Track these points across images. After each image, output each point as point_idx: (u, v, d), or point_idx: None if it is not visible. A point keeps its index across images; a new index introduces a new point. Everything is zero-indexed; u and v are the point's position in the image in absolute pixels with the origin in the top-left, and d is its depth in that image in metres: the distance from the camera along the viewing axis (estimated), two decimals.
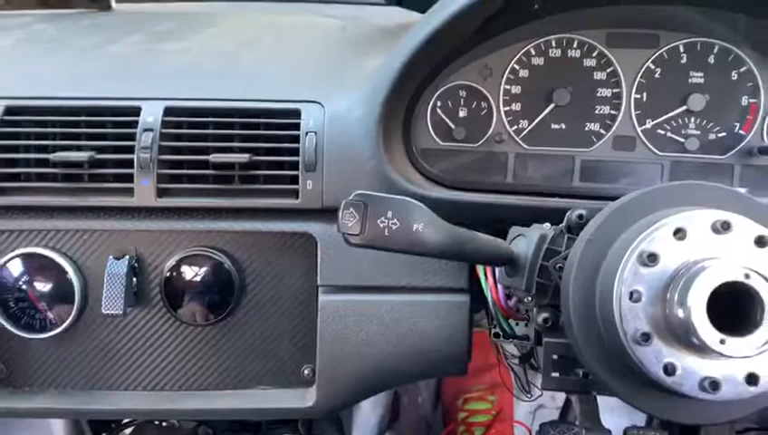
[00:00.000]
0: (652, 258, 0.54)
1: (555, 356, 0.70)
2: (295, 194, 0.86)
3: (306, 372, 0.91)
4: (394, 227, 0.65)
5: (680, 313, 0.52)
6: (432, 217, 0.66)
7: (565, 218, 0.70)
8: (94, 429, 1.25)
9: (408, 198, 0.66)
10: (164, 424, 1.24)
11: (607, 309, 0.57)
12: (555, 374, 0.70)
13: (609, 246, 0.60)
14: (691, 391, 0.54)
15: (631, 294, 0.55)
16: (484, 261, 0.77)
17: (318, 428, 1.24)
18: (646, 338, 0.53)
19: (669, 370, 0.54)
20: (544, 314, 0.69)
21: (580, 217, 0.68)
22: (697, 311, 0.51)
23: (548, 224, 0.72)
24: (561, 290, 0.64)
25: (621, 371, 0.59)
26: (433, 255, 0.68)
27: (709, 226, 0.54)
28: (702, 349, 0.52)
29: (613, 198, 0.74)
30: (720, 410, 0.58)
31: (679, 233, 0.55)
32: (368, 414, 1.34)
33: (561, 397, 1.63)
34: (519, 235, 0.73)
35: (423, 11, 1.07)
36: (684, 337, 0.53)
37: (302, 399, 0.89)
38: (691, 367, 0.53)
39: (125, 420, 1.22)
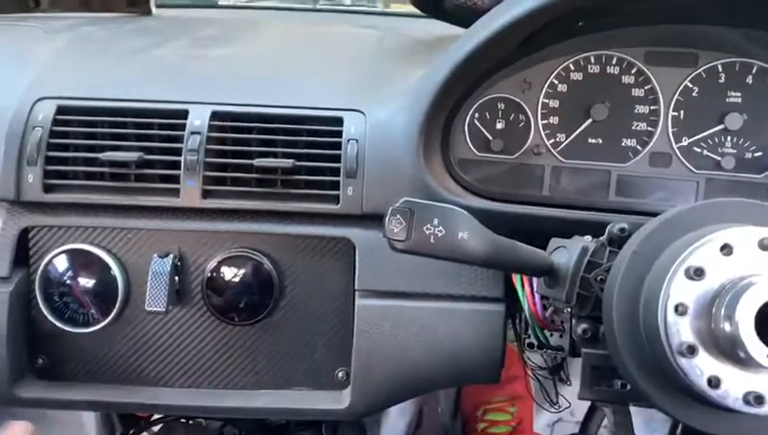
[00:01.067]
0: (699, 273, 0.55)
1: (593, 367, 0.71)
2: (336, 199, 0.88)
3: (340, 374, 0.92)
4: (439, 235, 0.67)
5: (727, 327, 0.53)
6: (477, 225, 0.68)
7: (606, 231, 0.71)
8: (124, 425, 1.28)
9: (453, 207, 0.68)
10: (190, 423, 1.26)
11: (651, 321, 0.58)
12: (593, 385, 0.71)
13: (655, 260, 0.61)
14: (735, 405, 0.55)
15: (677, 307, 0.56)
16: (524, 271, 0.78)
17: (342, 432, 1.26)
18: (691, 350, 0.55)
19: (713, 383, 0.55)
20: (584, 326, 0.70)
21: (623, 230, 0.69)
22: (745, 325, 0.52)
23: (589, 236, 0.73)
24: (603, 302, 0.66)
25: (663, 382, 0.60)
26: (476, 263, 0.70)
27: (756, 242, 0.55)
28: (748, 363, 0.53)
29: (648, 214, 0.75)
30: (763, 424, 0.59)
31: (726, 248, 0.56)
32: (395, 420, 1.35)
33: (579, 412, 1.63)
34: (560, 246, 0.74)
35: (462, 24, 1.10)
36: (729, 351, 0.54)
37: (336, 401, 0.91)
38: (736, 380, 0.54)
39: (154, 417, 1.24)
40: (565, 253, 0.72)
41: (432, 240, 0.67)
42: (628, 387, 0.69)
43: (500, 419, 1.59)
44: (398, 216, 0.67)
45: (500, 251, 0.69)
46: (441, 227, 0.67)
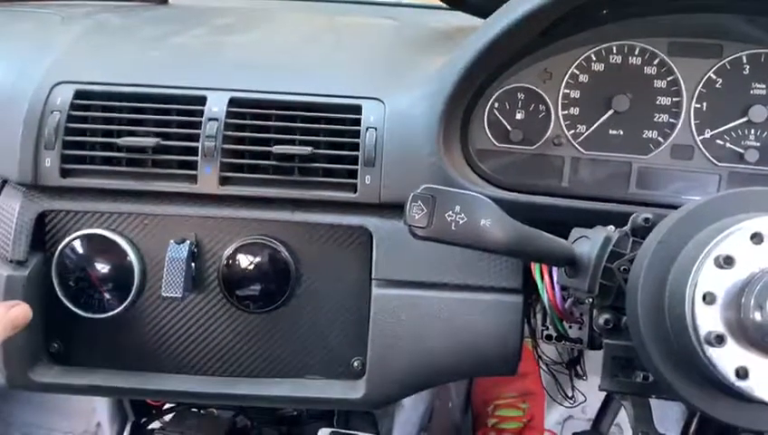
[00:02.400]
0: (728, 261, 0.54)
1: (614, 358, 0.70)
2: (353, 188, 0.87)
3: (356, 364, 0.92)
4: (461, 222, 0.66)
5: (758, 316, 0.52)
6: (500, 213, 0.67)
7: (630, 221, 0.70)
8: (137, 413, 1.28)
9: (476, 194, 0.67)
10: (202, 412, 1.26)
11: (677, 310, 0.57)
12: (614, 376, 0.70)
13: (681, 249, 0.60)
14: (764, 396, 0.54)
15: (705, 296, 0.55)
16: (546, 260, 0.77)
17: (353, 423, 1.25)
18: (719, 340, 0.54)
19: (741, 374, 0.54)
20: (606, 316, 0.69)
21: (647, 220, 0.68)
22: None
23: (612, 226, 0.72)
24: (626, 292, 0.65)
25: (688, 373, 0.59)
26: (497, 251, 0.69)
27: None
28: None
29: (669, 207, 0.74)
30: None
31: (756, 237, 0.55)
32: (409, 413, 1.34)
33: (591, 409, 1.62)
34: (582, 236, 0.73)
35: (482, 15, 1.09)
36: (760, 341, 0.53)
37: (351, 390, 0.90)
38: (765, 372, 0.53)
39: (166, 406, 1.24)
40: (587, 242, 0.72)
41: (453, 227, 0.66)
42: (651, 379, 0.68)
43: (511, 414, 1.58)
44: (420, 202, 0.66)
45: (522, 239, 0.68)
46: (463, 214, 0.66)
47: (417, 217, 0.66)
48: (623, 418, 1.19)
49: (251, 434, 1.26)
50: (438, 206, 0.66)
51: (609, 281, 0.69)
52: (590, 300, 0.73)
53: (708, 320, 0.54)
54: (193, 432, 1.19)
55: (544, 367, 1.43)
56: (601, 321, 0.69)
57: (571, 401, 1.41)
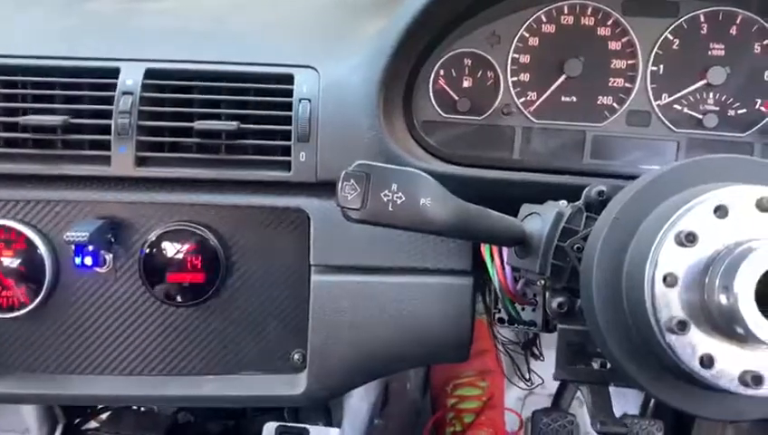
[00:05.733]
0: (690, 238, 0.49)
1: (569, 344, 0.65)
2: (287, 166, 0.80)
3: (296, 357, 0.85)
4: (399, 202, 0.59)
5: (723, 299, 0.47)
6: (441, 191, 0.60)
7: (583, 195, 0.65)
8: (68, 414, 1.19)
9: (415, 170, 0.60)
10: (142, 409, 1.18)
11: (636, 294, 0.51)
12: (569, 364, 0.64)
13: (638, 225, 0.54)
14: (730, 386, 0.48)
15: (665, 277, 0.49)
16: (494, 240, 0.72)
17: (305, 415, 1.19)
18: (682, 326, 0.48)
19: (706, 362, 0.49)
20: (559, 299, 0.64)
21: (601, 193, 0.63)
22: (745, 298, 0.45)
23: (564, 201, 0.66)
24: (580, 273, 0.59)
25: (648, 361, 0.54)
26: (440, 232, 0.63)
27: (753, 203, 0.49)
28: (746, 339, 0.47)
29: (625, 177, 0.69)
30: (758, 405, 0.53)
31: (720, 210, 0.49)
32: (359, 401, 1.29)
33: (552, 384, 1.60)
34: (532, 212, 0.67)
35: None
36: (725, 326, 0.47)
37: (292, 386, 0.84)
38: (731, 359, 0.48)
39: (100, 405, 1.16)
40: (538, 220, 0.66)
41: (391, 208, 0.59)
42: (609, 366, 0.63)
43: (470, 393, 1.54)
44: (353, 181, 0.59)
45: (467, 219, 0.62)
46: (401, 193, 0.59)
47: (349, 198, 0.59)
48: None
49: (195, 431, 1.19)
50: (373, 184, 0.59)
51: (562, 261, 0.63)
52: (542, 282, 0.67)
53: (669, 304, 0.49)
54: (131, 432, 1.12)
55: (501, 347, 1.39)
56: (554, 304, 0.64)
57: (528, 384, 1.37)
